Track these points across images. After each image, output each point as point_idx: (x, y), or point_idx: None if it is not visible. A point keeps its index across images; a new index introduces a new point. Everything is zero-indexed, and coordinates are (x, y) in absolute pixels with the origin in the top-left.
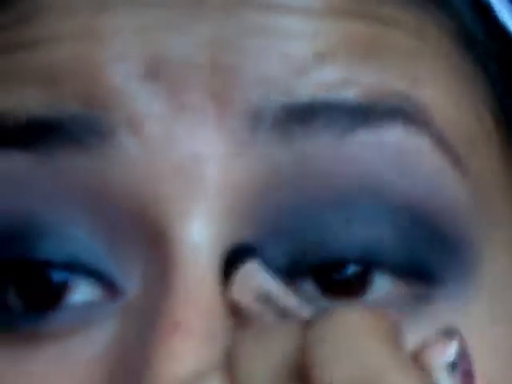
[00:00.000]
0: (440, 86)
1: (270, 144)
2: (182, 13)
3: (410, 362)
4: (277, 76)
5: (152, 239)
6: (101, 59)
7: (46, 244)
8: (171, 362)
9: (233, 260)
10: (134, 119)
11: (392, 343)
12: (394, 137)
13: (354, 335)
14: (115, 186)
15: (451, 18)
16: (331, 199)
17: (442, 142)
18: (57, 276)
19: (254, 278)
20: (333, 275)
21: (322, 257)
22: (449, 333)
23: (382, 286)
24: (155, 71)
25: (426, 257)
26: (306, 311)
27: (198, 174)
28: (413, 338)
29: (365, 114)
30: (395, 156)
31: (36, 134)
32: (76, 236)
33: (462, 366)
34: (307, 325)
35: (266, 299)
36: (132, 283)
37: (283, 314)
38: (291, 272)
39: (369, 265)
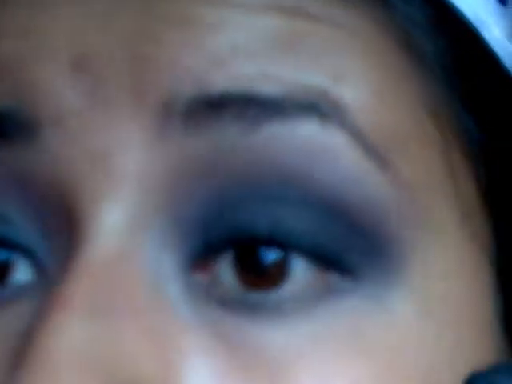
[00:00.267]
0: (368, 84)
1: (183, 134)
2: (105, 9)
3: None
4: (191, 67)
5: (70, 224)
6: (31, 57)
7: None
8: (49, 337)
9: None
10: (57, 115)
11: None
12: (307, 131)
13: None
14: (40, 177)
15: (390, 17)
16: (245, 187)
17: (362, 142)
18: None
19: None
20: (250, 260)
21: (235, 225)
22: None
23: (300, 275)
24: (80, 68)
25: (341, 248)
26: None
27: (112, 164)
28: (317, 330)
29: (278, 107)
30: (308, 149)
31: None
32: (12, 220)
33: None
34: None
35: None
36: (55, 265)
37: None
38: (208, 251)
39: (285, 248)
